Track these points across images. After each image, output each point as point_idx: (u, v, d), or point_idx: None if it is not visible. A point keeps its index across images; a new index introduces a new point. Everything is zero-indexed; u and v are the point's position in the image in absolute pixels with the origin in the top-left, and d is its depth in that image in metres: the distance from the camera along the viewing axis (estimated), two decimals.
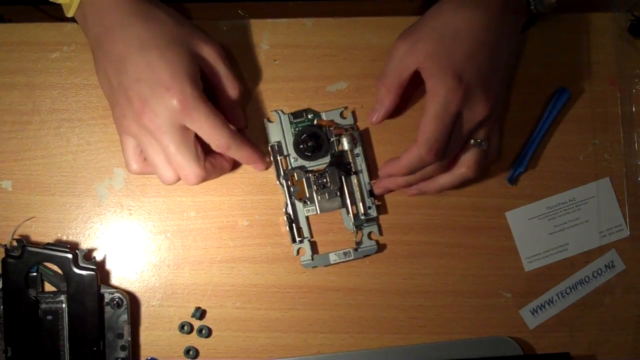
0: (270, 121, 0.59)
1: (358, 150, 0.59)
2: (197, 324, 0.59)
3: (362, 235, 0.59)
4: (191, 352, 0.59)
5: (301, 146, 0.58)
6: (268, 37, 0.59)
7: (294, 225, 0.58)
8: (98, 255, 0.59)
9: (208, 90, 0.53)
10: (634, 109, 0.61)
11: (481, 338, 0.60)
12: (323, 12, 0.61)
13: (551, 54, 0.61)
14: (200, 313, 0.59)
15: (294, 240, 0.58)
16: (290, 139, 0.59)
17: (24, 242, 0.56)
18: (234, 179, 0.59)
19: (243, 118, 0.58)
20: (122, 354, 0.57)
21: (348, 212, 0.58)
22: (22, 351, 0.56)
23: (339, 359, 0.59)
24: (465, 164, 0.54)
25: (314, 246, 0.59)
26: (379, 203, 0.59)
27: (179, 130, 0.50)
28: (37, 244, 0.57)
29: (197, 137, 0.51)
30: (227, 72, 0.54)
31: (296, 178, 0.58)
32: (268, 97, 0.59)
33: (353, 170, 0.58)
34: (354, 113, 0.59)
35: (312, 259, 0.58)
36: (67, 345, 0.56)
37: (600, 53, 0.61)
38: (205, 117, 0.50)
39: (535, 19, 0.59)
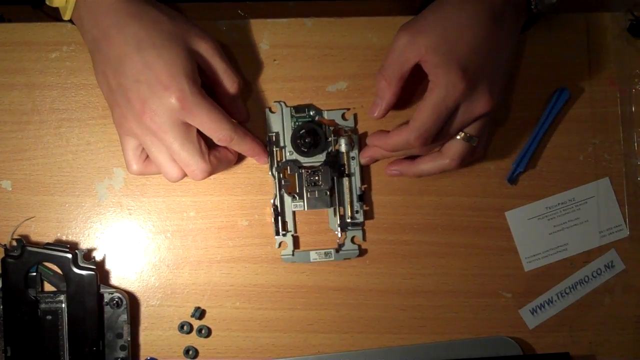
0: (271, 111, 0.59)
1: (354, 153, 0.59)
2: (196, 323, 0.59)
3: (346, 237, 0.59)
4: (191, 352, 0.59)
5: (298, 141, 0.58)
6: (268, 37, 0.59)
7: (279, 218, 0.58)
8: (98, 255, 0.59)
9: (208, 85, 0.54)
10: (634, 109, 0.61)
11: (481, 338, 0.60)
12: (323, 12, 0.61)
13: (551, 54, 0.61)
14: (200, 313, 0.59)
15: (277, 233, 0.58)
16: (288, 132, 0.59)
17: (23, 242, 0.56)
18: (234, 179, 0.59)
19: (244, 111, 0.58)
20: (121, 354, 0.57)
21: (335, 213, 0.59)
22: (21, 351, 0.56)
23: (339, 359, 0.59)
24: (450, 155, 0.54)
25: (296, 241, 0.59)
26: (367, 208, 0.59)
27: (181, 127, 0.50)
28: (36, 244, 0.57)
29: (200, 133, 0.52)
30: (224, 67, 0.54)
31: (289, 172, 0.58)
32: (268, 97, 0.59)
33: (346, 172, 0.58)
34: (355, 116, 0.59)
35: (293, 255, 0.58)
36: (66, 345, 0.56)
37: (600, 53, 0.61)
38: (205, 112, 0.50)
39: (535, 19, 0.59)
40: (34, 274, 0.57)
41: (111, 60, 0.50)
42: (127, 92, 0.50)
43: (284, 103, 0.59)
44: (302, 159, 0.59)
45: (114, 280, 0.59)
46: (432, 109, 0.50)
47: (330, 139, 0.59)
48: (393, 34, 0.53)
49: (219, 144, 0.53)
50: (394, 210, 0.60)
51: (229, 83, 0.54)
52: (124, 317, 0.57)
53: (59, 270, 0.57)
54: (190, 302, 0.59)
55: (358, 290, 0.60)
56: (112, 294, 0.57)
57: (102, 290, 0.57)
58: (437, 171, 0.56)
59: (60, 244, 0.58)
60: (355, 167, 0.59)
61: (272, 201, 0.58)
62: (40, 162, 0.59)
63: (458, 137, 0.53)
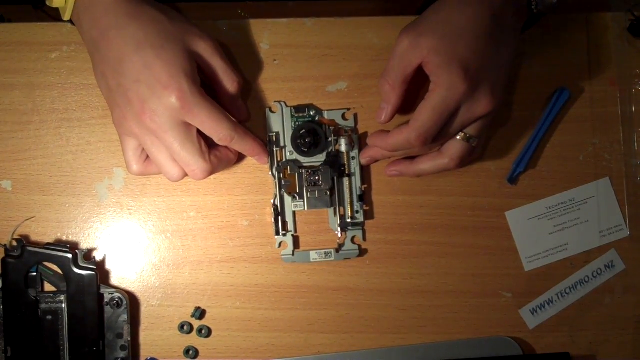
0: (272, 111, 0.59)
1: (354, 153, 0.59)
2: (196, 323, 0.59)
3: (346, 237, 0.59)
4: (191, 352, 0.59)
5: (299, 141, 0.58)
6: (268, 37, 0.59)
7: (279, 218, 0.58)
8: (98, 255, 0.59)
9: (208, 85, 0.54)
10: (634, 109, 0.61)
11: (481, 338, 0.60)
12: (323, 12, 0.61)
13: (551, 54, 0.61)
14: (200, 313, 0.59)
15: (277, 233, 0.58)
16: (289, 132, 0.59)
17: (23, 242, 0.56)
18: (234, 179, 0.59)
19: (245, 110, 0.58)
20: (121, 354, 0.57)
21: (335, 213, 0.59)
22: (21, 351, 0.56)
23: (339, 359, 0.59)
24: (450, 155, 0.54)
25: (296, 241, 0.59)
26: (367, 208, 0.59)
27: (181, 127, 0.50)
28: (37, 244, 0.57)
29: (201, 132, 0.52)
30: (223, 66, 0.54)
31: (289, 172, 0.58)
32: (268, 97, 0.59)
33: (346, 172, 0.59)
34: (356, 116, 0.59)
35: (293, 254, 0.59)
36: (66, 345, 0.56)
37: (600, 53, 0.61)
38: (205, 111, 0.50)
39: (535, 19, 0.59)
40: (34, 274, 0.57)
41: (110, 60, 0.50)
42: (126, 92, 0.50)
43: (284, 103, 0.59)
44: (302, 159, 0.59)
45: (114, 280, 0.59)
46: (433, 110, 0.50)
47: (330, 139, 0.59)
48: (393, 34, 0.53)
49: (219, 143, 0.53)
50: (394, 210, 0.60)
51: (229, 82, 0.54)
52: (124, 317, 0.57)
53: (59, 271, 0.57)
54: (191, 302, 0.59)
55: (358, 290, 0.60)
56: (112, 294, 0.57)
57: (102, 290, 0.57)
58: (437, 171, 0.56)
59: (60, 244, 0.58)
60: (355, 167, 0.59)
61: (272, 201, 0.58)
62: (40, 162, 0.59)
63: (458, 137, 0.54)
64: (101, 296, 0.57)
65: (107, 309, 0.57)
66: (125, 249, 0.59)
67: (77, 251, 0.56)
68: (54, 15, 0.58)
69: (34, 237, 0.59)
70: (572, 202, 0.61)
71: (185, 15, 0.54)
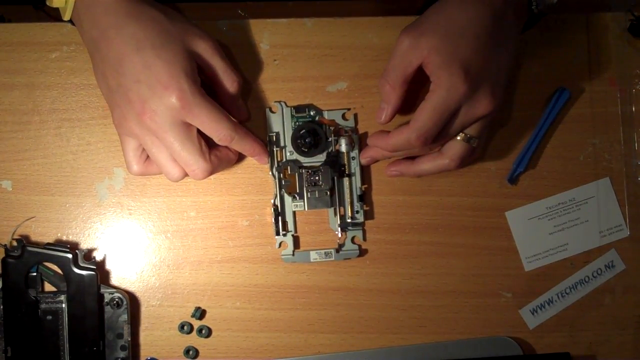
0: (272, 111, 0.59)
1: (354, 153, 0.59)
2: (197, 324, 0.59)
3: (346, 237, 0.59)
4: (191, 352, 0.59)
5: (299, 141, 0.58)
6: (268, 37, 0.59)
7: (279, 218, 0.58)
8: (98, 255, 0.59)
9: (208, 85, 0.54)
10: (634, 109, 0.61)
11: (481, 338, 0.60)
12: (323, 12, 0.61)
13: (551, 54, 0.61)
14: (200, 313, 0.59)
15: (277, 233, 0.58)
16: (289, 132, 0.59)
17: (24, 242, 0.56)
18: (234, 179, 0.59)
19: (245, 110, 0.58)
20: (121, 354, 0.57)
21: (335, 213, 0.59)
22: (21, 351, 0.56)
23: (339, 359, 0.59)
24: (450, 156, 0.54)
25: (296, 241, 0.59)
26: (367, 208, 0.59)
27: (181, 127, 0.50)
28: (37, 244, 0.57)
29: (201, 132, 0.52)
30: (223, 66, 0.54)
31: (289, 172, 0.58)
32: (268, 97, 0.59)
33: (347, 172, 0.59)
34: (356, 116, 0.59)
35: (293, 255, 0.59)
36: (67, 345, 0.56)
37: (600, 53, 0.61)
38: (205, 111, 0.50)
39: (536, 19, 0.59)
40: (35, 274, 0.57)
41: (110, 60, 0.50)
42: (126, 92, 0.50)
43: (284, 103, 0.59)
44: (302, 159, 0.59)
45: (114, 280, 0.59)
46: (433, 110, 0.50)
47: (330, 139, 0.59)
48: (393, 34, 0.53)
49: (219, 143, 0.53)
50: (394, 210, 0.60)
51: (229, 82, 0.54)
52: (124, 317, 0.57)
53: (59, 271, 0.57)
54: (191, 302, 0.59)
55: (358, 290, 0.60)
56: (112, 294, 0.57)
57: (102, 290, 0.57)
58: (437, 171, 0.56)
59: (60, 244, 0.58)
60: (355, 167, 0.59)
61: (272, 201, 0.58)
62: (40, 162, 0.59)
63: (458, 137, 0.54)
64: (101, 296, 0.57)
65: (107, 309, 0.57)
66: (126, 249, 0.59)
67: (77, 251, 0.56)
68: (54, 15, 0.58)
69: (34, 237, 0.59)
70: (572, 202, 0.61)
71: (185, 15, 0.54)
